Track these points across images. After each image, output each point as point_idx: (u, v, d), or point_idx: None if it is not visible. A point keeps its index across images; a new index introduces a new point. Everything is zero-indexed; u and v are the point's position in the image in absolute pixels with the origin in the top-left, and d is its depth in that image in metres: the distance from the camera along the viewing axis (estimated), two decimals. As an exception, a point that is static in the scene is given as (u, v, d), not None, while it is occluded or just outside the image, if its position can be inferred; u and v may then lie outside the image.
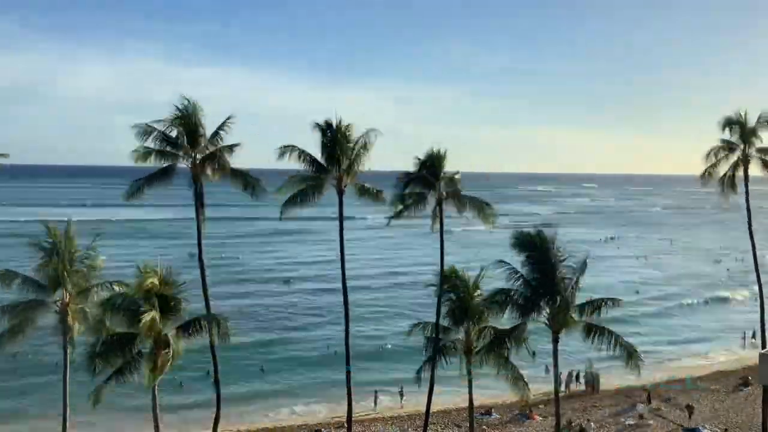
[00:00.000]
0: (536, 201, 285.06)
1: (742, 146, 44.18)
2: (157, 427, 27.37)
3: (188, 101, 30.89)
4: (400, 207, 34.53)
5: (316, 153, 33.84)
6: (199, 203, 31.88)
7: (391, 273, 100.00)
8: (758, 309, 44.04)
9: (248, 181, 32.36)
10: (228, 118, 32.34)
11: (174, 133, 31.19)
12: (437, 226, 34.57)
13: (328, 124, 33.47)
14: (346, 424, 37.56)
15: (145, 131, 30.53)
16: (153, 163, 31.25)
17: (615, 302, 29.10)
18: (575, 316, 28.65)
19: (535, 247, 29.06)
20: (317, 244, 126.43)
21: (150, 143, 30.78)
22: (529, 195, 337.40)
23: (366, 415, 45.53)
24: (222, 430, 36.97)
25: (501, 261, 30.05)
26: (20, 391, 48.55)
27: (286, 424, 44.24)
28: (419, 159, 34.56)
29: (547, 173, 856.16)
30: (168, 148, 31.14)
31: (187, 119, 30.83)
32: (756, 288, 46.43)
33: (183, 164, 31.81)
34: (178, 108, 31.00)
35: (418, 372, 34.10)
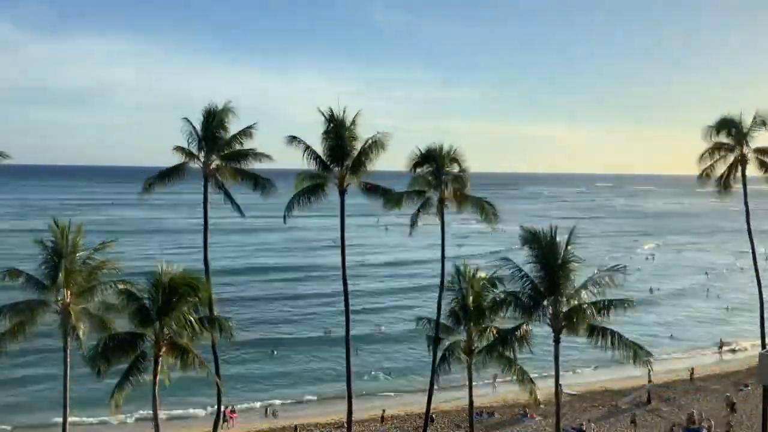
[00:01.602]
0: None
1: (738, 147, 44.24)
2: (157, 427, 27.31)
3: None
4: (414, 213, 34.39)
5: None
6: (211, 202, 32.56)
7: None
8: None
9: (258, 181, 33.03)
10: (251, 126, 33.28)
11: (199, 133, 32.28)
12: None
13: (331, 117, 32.85)
14: (346, 424, 37.55)
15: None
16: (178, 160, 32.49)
17: (625, 303, 28.15)
18: (581, 316, 28.05)
19: (543, 244, 28.45)
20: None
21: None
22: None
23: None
24: (222, 430, 37.03)
25: (505, 258, 29.80)
26: (21, 390, 48.53)
27: (286, 424, 44.17)
28: (420, 153, 34.23)
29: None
30: (191, 149, 32.28)
31: (212, 120, 31.97)
32: None
33: (195, 164, 32.44)
34: (205, 108, 32.12)
35: (434, 374, 34.09)
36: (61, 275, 26.78)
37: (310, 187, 33.36)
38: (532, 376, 31.52)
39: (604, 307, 27.97)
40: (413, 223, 34.66)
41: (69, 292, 27.82)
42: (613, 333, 28.18)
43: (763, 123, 43.48)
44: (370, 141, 33.19)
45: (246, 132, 33.07)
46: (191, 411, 44.54)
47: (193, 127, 32.64)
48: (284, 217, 33.31)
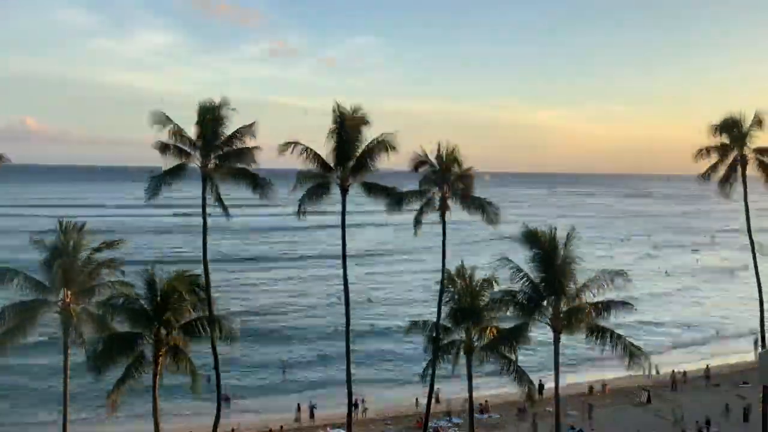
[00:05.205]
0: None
1: (738, 147, 44.10)
2: (157, 427, 27.35)
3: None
4: (417, 212, 34.29)
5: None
6: (218, 201, 32.08)
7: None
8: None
9: (257, 182, 32.49)
10: (252, 124, 32.39)
11: (192, 132, 31.26)
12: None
13: (341, 118, 32.60)
14: (346, 424, 37.56)
15: (161, 122, 30.60)
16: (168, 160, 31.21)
17: (625, 306, 28.39)
18: (580, 317, 28.17)
19: (544, 244, 28.47)
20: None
21: (165, 136, 30.89)
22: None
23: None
24: (222, 429, 36.98)
25: (505, 258, 29.75)
26: (21, 390, 48.53)
27: (286, 423, 44.18)
28: (425, 155, 34.22)
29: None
30: (184, 146, 31.31)
31: (207, 119, 30.93)
32: None
33: (193, 164, 31.93)
34: (200, 105, 31.07)
35: (424, 372, 34.10)
36: (61, 275, 26.76)
37: (315, 187, 33.22)
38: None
39: (604, 308, 28.07)
40: (417, 223, 34.69)
41: (69, 292, 27.84)
42: (612, 334, 28.28)
43: (759, 123, 43.38)
44: (374, 142, 33.07)
45: (246, 130, 32.08)
46: (191, 409, 44.55)
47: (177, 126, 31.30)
48: (298, 215, 33.09)
